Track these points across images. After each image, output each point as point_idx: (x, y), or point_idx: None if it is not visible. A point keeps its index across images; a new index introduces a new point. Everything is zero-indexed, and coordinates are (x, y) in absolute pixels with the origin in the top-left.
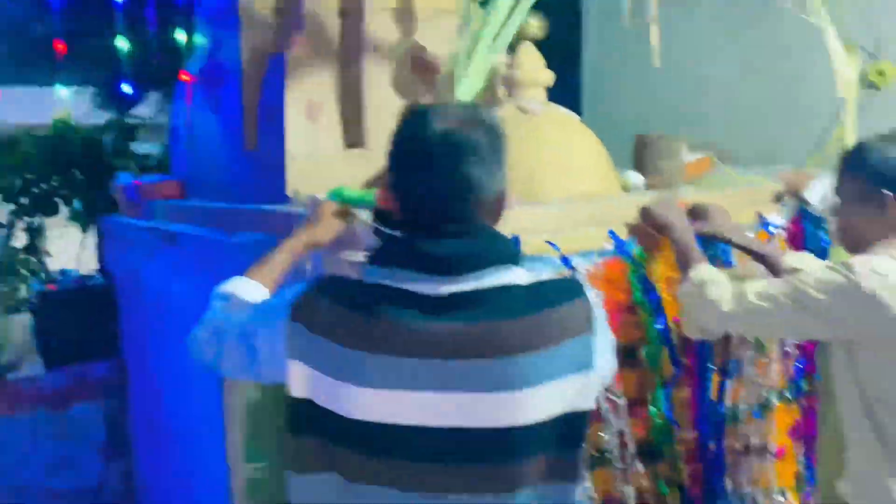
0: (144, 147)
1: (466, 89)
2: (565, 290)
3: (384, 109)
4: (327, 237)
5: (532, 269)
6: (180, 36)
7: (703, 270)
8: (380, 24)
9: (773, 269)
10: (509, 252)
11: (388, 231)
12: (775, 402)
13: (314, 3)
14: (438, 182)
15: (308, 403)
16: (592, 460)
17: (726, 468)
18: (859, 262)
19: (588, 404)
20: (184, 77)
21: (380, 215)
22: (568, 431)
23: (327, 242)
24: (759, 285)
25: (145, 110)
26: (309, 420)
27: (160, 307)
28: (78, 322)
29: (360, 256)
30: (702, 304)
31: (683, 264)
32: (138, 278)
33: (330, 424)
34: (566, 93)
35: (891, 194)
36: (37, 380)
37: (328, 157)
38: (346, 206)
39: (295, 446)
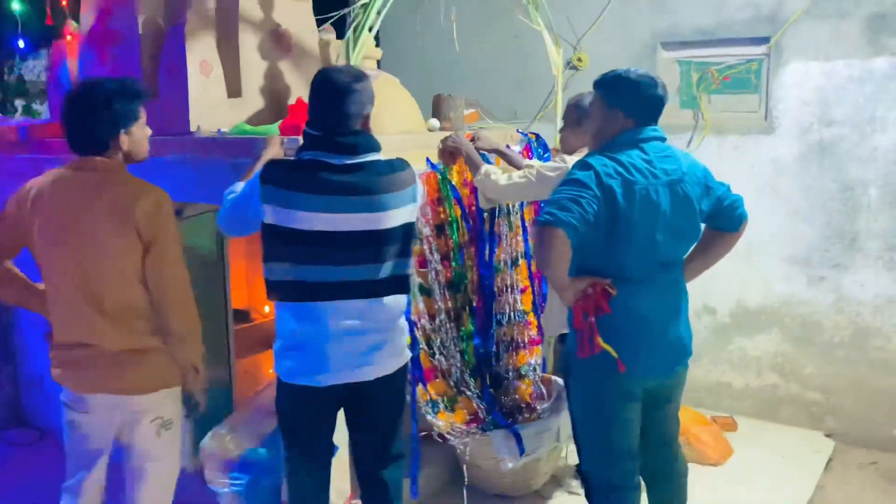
0: None
1: (355, 57)
2: (403, 164)
3: (253, 69)
4: (280, 152)
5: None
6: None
7: (486, 167)
8: (247, 4)
9: (517, 165)
10: (378, 145)
11: (312, 132)
12: (520, 259)
13: None
14: (339, 109)
15: (273, 226)
16: (422, 290)
17: (495, 298)
18: (567, 158)
19: (414, 218)
20: (68, 38)
21: (308, 125)
22: (406, 232)
23: (279, 154)
24: (519, 171)
25: None
26: (273, 233)
27: None
28: None
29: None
30: (488, 184)
31: (474, 167)
32: None
33: (286, 235)
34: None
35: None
36: None
37: (216, 102)
38: (279, 136)
39: (266, 248)
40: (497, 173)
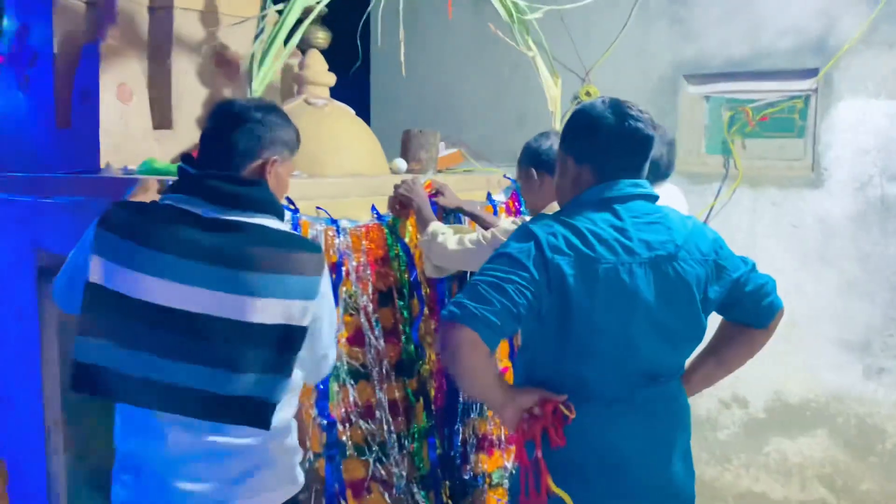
0: None
1: (260, 82)
2: (306, 245)
3: (188, 96)
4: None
5: (288, 225)
6: None
7: (435, 226)
8: (185, 22)
9: (487, 226)
10: (273, 206)
11: (187, 168)
12: None
13: None
14: (219, 140)
15: (98, 287)
16: (355, 375)
17: None
18: (528, 220)
19: (305, 323)
20: None
21: (185, 159)
22: (287, 337)
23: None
24: (472, 235)
25: None
26: (96, 298)
27: None
28: None
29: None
30: (434, 247)
31: (423, 224)
32: None
33: (113, 302)
34: (356, 95)
35: (533, 170)
36: None
37: (137, 134)
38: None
39: (84, 317)
40: (446, 235)
